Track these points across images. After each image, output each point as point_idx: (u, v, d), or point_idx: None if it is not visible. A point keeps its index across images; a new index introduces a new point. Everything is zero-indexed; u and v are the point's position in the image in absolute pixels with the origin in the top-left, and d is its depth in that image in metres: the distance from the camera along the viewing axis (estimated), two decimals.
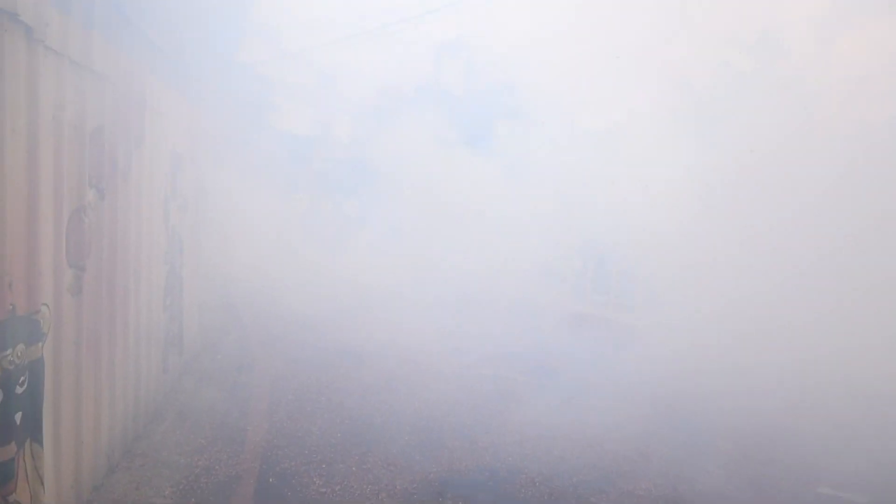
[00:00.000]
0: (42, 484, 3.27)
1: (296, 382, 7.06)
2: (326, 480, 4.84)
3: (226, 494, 4.51)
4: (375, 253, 19.14)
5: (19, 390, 3.02)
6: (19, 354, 3.00)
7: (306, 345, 8.57)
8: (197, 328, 7.64)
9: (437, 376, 7.69)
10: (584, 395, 7.27)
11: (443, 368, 8.03)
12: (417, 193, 19.10)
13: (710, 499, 4.98)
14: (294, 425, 5.91)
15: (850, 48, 10.65)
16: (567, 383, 7.64)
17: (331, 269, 16.29)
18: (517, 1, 17.75)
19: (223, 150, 13.26)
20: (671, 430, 6.39)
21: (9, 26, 2.84)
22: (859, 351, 7.97)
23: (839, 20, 11.17)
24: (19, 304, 2.99)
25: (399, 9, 19.73)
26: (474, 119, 19.62)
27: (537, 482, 5.03)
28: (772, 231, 10.43)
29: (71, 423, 3.72)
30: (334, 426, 5.95)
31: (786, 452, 5.95)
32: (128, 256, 4.75)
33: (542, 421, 6.31)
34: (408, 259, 17.85)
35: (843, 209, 9.24)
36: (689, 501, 4.91)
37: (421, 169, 19.51)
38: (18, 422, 3.02)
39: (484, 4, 18.09)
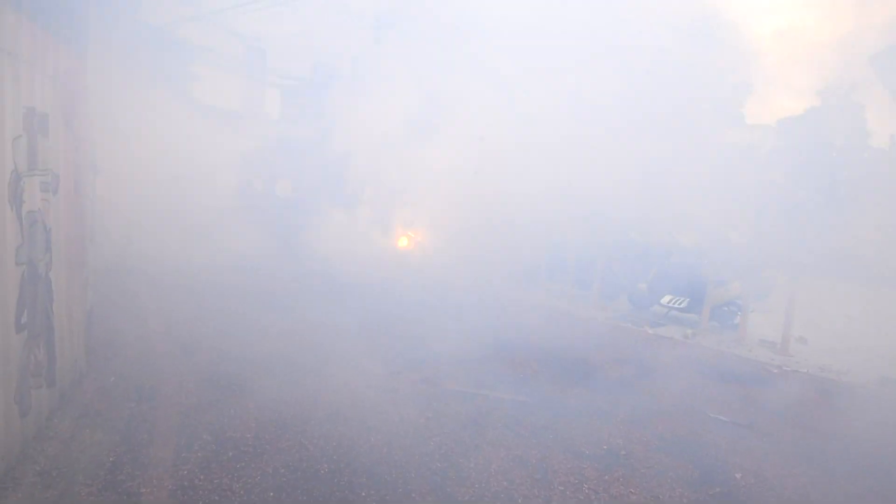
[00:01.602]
0: None
1: (214, 414, 5.35)
2: None
3: None
4: (317, 241, 17.29)
5: None
6: None
7: (229, 357, 6.82)
8: (82, 345, 5.75)
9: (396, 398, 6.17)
10: None
11: (397, 386, 6.53)
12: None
13: None
14: (209, 482, 4.25)
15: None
16: None
17: (265, 259, 14.37)
18: None
19: (127, 116, 11.05)
20: None
21: None
22: None
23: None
24: None
25: None
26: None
27: None
28: None
29: None
30: (265, 479, 4.34)
31: None
32: None
33: None
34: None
35: None
36: None
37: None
38: None
39: None
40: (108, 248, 10.31)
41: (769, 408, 6.91)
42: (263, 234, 16.76)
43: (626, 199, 14.36)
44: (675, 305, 11.96)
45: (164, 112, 18.24)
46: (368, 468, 4.60)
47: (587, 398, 6.52)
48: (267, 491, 4.20)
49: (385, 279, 12.75)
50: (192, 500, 4.01)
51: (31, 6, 4.42)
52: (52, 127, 4.89)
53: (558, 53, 17.36)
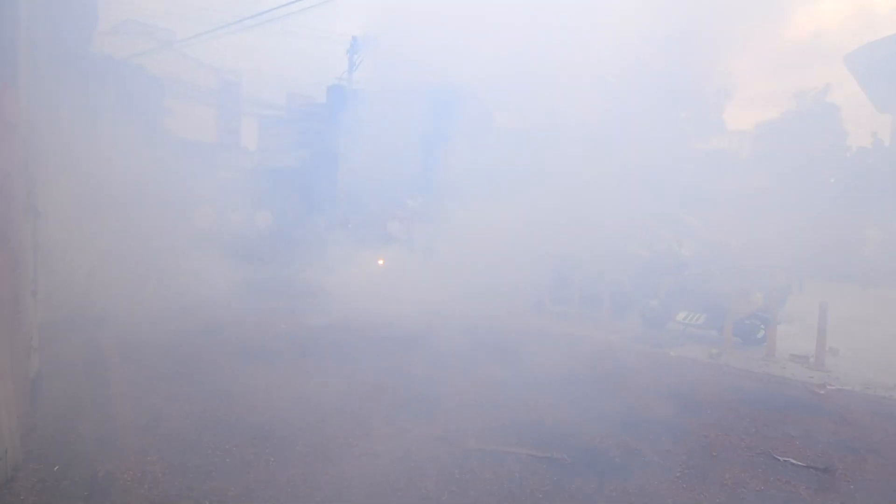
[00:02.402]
0: None
1: None
2: None
3: None
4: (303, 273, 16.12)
5: None
6: None
7: (206, 426, 5.63)
8: (16, 431, 4.54)
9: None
10: None
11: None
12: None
13: None
14: None
15: None
16: None
17: (244, 296, 13.17)
18: None
19: (88, 151, 9.94)
20: None
21: None
22: None
23: None
24: None
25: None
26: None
27: None
28: None
29: None
30: None
31: None
32: None
33: None
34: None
35: None
36: None
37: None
38: None
39: None
40: (67, 294, 9.08)
41: (835, 441, 5.90)
42: (243, 267, 15.57)
43: (623, 208, 13.52)
44: (692, 322, 11.01)
45: (134, 147, 17.06)
46: None
47: (630, 448, 5.45)
48: None
49: (386, 314, 11.60)
50: None
51: None
52: None
53: (545, 68, 16.70)
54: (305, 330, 10.00)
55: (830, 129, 26.24)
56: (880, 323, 12.66)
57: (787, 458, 5.38)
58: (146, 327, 9.18)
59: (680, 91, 20.54)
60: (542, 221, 13.45)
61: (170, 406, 5.95)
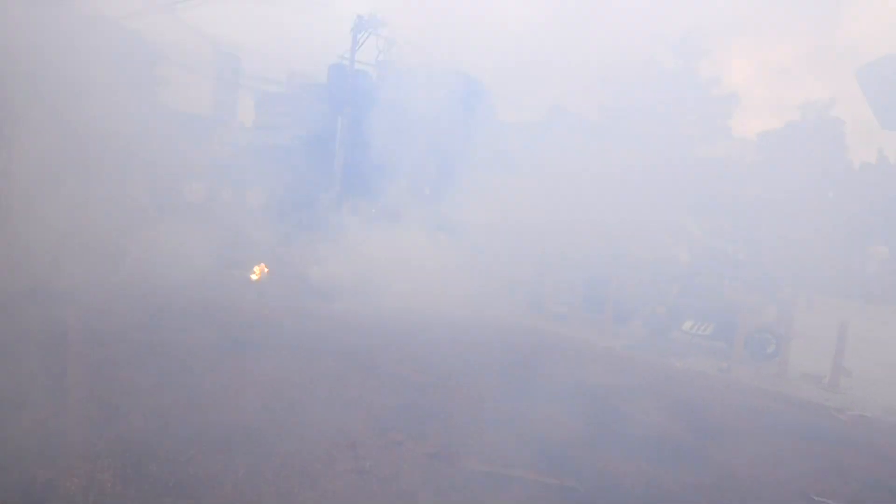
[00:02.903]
0: None
1: None
2: None
3: None
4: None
5: None
6: None
7: (171, 418, 4.90)
8: None
9: None
10: None
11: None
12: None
13: None
14: None
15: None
16: None
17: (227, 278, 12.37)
18: None
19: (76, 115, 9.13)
20: None
21: None
22: None
23: None
24: None
25: None
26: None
27: None
28: None
29: None
30: None
31: None
32: None
33: None
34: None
35: None
36: None
37: None
38: None
39: None
40: (32, 264, 8.28)
41: (871, 479, 5.28)
42: (232, 247, 14.76)
43: (623, 212, 12.89)
44: (699, 332, 10.38)
45: (122, 113, 16.18)
46: None
47: (649, 477, 4.78)
48: None
49: (374, 307, 10.89)
50: None
51: None
52: None
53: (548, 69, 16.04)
54: (290, 317, 9.26)
55: (835, 143, 25.77)
56: (888, 342, 12.13)
57: (823, 500, 4.74)
58: (117, 306, 8.40)
59: (688, 93, 19.96)
60: (544, 220, 12.79)
61: (130, 400, 5.19)
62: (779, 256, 13.29)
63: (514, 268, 12.13)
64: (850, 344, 8.79)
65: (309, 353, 7.28)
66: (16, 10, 8.33)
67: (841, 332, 8.57)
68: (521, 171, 14.01)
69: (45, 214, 8.47)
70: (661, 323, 10.81)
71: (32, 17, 9.33)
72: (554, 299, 12.22)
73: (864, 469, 5.51)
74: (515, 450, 4.99)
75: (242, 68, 28.64)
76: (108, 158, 13.23)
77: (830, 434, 6.50)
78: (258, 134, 25.27)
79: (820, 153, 23.62)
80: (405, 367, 7.16)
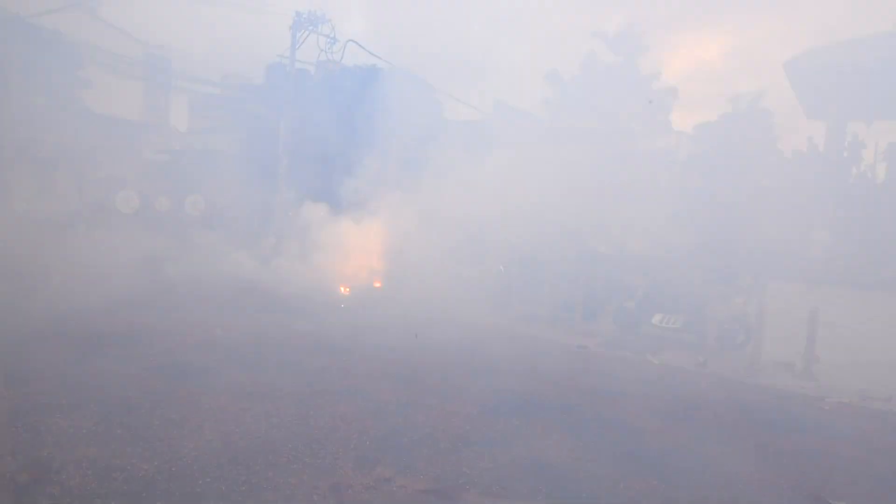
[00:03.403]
0: None
1: None
2: None
3: None
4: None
5: None
6: None
7: (109, 462, 4.10)
8: None
9: None
10: None
11: None
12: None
13: None
14: None
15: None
16: None
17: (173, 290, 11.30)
18: None
19: None
20: None
21: None
22: None
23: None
24: None
25: None
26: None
27: None
28: None
29: None
30: None
31: None
32: None
33: None
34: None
35: None
36: None
37: None
38: None
39: None
40: None
41: (875, 475, 5.07)
42: (173, 260, 13.61)
43: (577, 208, 12.67)
44: (669, 325, 10.21)
45: (46, 121, 14.75)
46: None
47: (660, 496, 4.37)
48: None
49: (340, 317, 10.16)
50: None
51: None
52: None
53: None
54: (245, 337, 8.40)
55: (766, 133, 26.70)
56: (839, 324, 12.39)
57: (839, 503, 4.46)
58: (45, 331, 7.36)
59: (629, 87, 20.11)
60: (497, 216, 12.39)
61: (60, 451, 4.34)
62: (732, 246, 13.39)
63: (478, 268, 11.64)
64: (804, 328, 8.78)
65: (271, 377, 6.52)
66: None
67: (812, 318, 8.54)
68: (470, 169, 13.58)
69: None
70: (631, 318, 10.59)
71: None
72: (521, 298, 11.82)
73: (865, 464, 5.31)
74: (517, 476, 4.46)
75: (174, 69, 26.92)
76: (28, 169, 11.98)
77: (821, 426, 6.33)
78: (194, 138, 23.82)
79: (752, 143, 24.37)
80: (382, 385, 6.52)
